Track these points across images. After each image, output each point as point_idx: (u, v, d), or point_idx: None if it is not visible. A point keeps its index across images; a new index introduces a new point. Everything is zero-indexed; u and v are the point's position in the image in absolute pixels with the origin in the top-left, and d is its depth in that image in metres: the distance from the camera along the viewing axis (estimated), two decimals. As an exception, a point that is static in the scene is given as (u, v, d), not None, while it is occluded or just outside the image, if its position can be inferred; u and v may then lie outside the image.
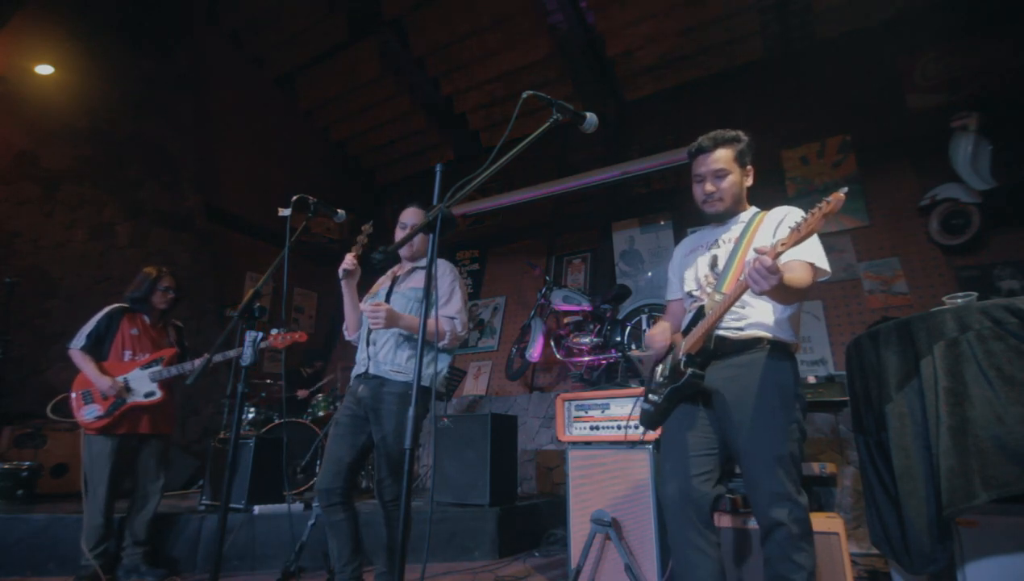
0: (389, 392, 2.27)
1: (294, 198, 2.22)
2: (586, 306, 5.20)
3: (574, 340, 5.24)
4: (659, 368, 1.92)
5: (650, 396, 1.91)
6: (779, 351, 1.72)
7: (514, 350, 5.78)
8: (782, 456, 1.61)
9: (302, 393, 5.42)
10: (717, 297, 1.68)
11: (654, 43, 5.84)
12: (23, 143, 4.83)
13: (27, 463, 3.85)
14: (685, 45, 5.85)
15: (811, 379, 4.20)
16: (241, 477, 3.52)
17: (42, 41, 4.93)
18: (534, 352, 5.44)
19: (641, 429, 2.11)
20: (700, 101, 6.27)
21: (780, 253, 1.41)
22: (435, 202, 1.44)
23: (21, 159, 4.80)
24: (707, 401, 1.79)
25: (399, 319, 2.22)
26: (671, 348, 1.87)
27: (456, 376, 5.52)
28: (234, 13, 6.32)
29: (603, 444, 2.77)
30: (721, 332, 1.74)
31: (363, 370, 2.34)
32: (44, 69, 4.95)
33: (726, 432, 1.73)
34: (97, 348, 3.01)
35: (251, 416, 4.78)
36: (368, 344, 2.37)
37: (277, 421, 4.66)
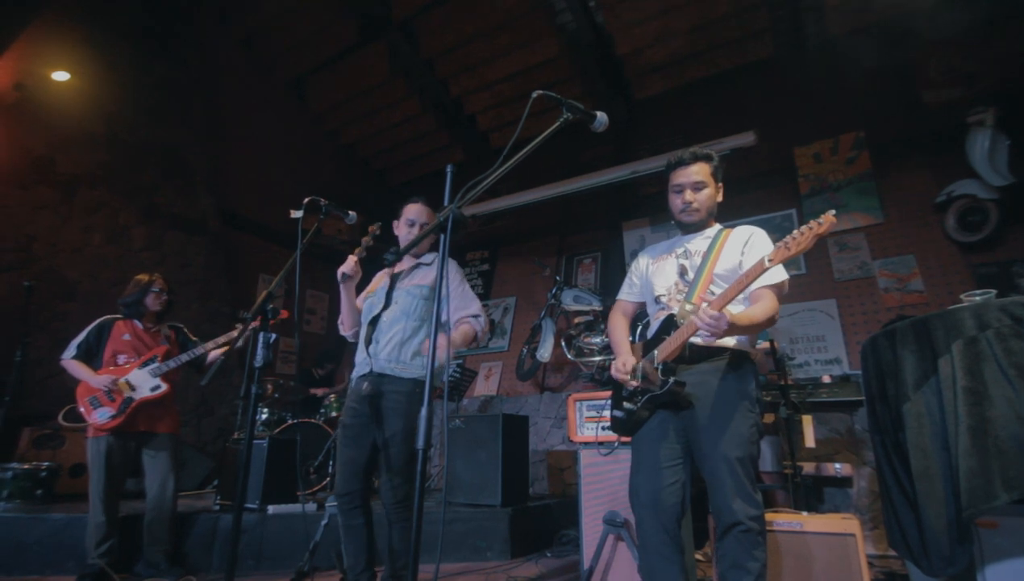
0: (395, 391, 2.25)
1: (305, 200, 2.23)
2: (597, 306, 5.18)
3: (585, 340, 5.22)
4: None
5: (624, 404, 1.97)
6: (741, 359, 1.83)
7: (525, 350, 5.77)
8: (742, 458, 1.71)
9: (316, 391, 5.51)
10: (688, 306, 1.79)
11: (663, 42, 5.79)
12: (40, 148, 4.91)
13: (46, 463, 3.91)
14: (695, 43, 5.81)
15: (826, 378, 4.16)
16: (255, 477, 3.55)
17: (58, 48, 5.01)
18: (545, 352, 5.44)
19: None
20: (710, 99, 6.22)
21: (746, 286, 1.60)
22: (446, 203, 1.45)
23: (38, 164, 4.88)
24: (678, 407, 1.84)
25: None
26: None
27: (467, 377, 5.53)
28: (245, 18, 6.37)
29: (615, 444, 2.77)
30: (691, 340, 1.81)
31: (367, 370, 2.32)
32: (60, 76, 5.03)
33: (690, 433, 1.81)
34: (89, 358, 3.07)
35: (264, 417, 4.82)
36: (369, 343, 2.35)
37: (290, 422, 4.70)
